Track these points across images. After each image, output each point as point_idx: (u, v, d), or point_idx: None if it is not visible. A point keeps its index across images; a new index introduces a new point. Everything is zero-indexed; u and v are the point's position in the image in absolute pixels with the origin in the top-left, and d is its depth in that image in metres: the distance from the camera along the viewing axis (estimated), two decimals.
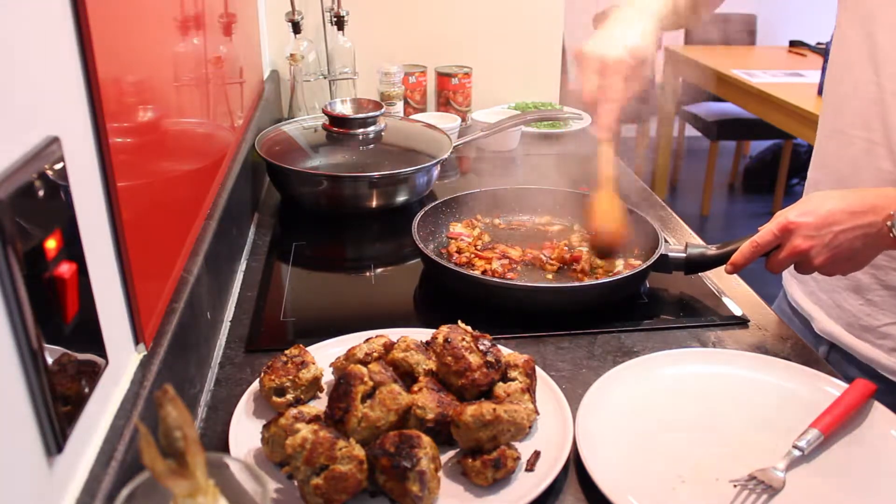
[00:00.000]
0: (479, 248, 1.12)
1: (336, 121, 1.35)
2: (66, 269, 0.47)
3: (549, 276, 1.05)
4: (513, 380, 0.76)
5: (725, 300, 1.02)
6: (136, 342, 0.64)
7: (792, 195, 4.04)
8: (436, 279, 1.06)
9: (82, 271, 0.51)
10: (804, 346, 0.93)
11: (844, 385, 0.79)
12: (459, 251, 1.10)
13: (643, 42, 0.96)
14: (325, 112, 1.36)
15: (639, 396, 0.79)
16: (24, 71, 0.46)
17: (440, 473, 0.67)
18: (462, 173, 1.56)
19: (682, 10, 1.06)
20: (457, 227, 1.17)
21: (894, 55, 0.89)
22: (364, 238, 1.26)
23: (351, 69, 1.72)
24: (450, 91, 1.80)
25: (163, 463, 0.43)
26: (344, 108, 1.37)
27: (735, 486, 0.68)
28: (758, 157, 4.39)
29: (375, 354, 0.78)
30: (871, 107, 0.93)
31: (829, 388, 0.80)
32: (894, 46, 0.89)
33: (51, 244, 0.46)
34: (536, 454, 0.70)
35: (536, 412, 0.74)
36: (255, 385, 0.78)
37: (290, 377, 0.75)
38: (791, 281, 1.14)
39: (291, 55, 1.66)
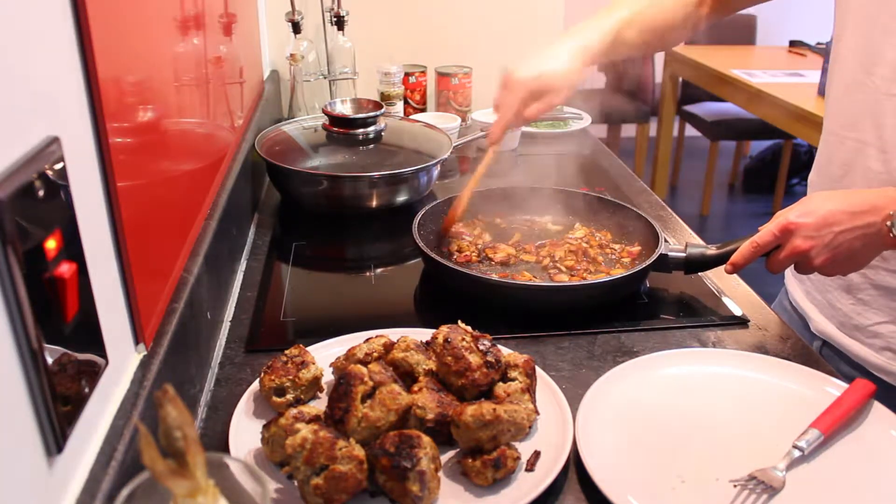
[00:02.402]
0: (479, 247, 1.12)
1: (336, 121, 1.35)
2: (66, 269, 0.47)
3: (551, 275, 1.05)
4: (513, 380, 0.76)
5: (725, 300, 1.02)
6: (136, 342, 0.64)
7: (792, 195, 4.04)
8: (436, 278, 1.06)
9: (82, 271, 0.51)
10: (804, 345, 0.93)
11: (844, 385, 0.79)
12: (460, 250, 1.10)
13: (559, 70, 1.01)
14: (325, 112, 1.36)
15: (639, 396, 0.79)
16: (24, 71, 0.46)
17: (440, 473, 0.67)
18: (462, 173, 1.56)
19: (630, 42, 1.08)
20: (458, 227, 1.17)
21: (887, 56, 0.90)
22: (364, 238, 1.26)
23: (351, 69, 1.72)
24: (450, 91, 1.80)
25: (163, 463, 0.43)
26: (344, 108, 1.37)
27: (735, 486, 0.68)
28: (758, 157, 4.39)
29: (375, 354, 0.78)
30: (862, 107, 0.93)
31: (829, 388, 0.80)
32: (887, 47, 0.90)
33: (51, 244, 0.46)
34: (536, 454, 0.70)
35: (536, 412, 0.74)
36: (255, 385, 0.78)
37: (290, 377, 0.75)
38: (791, 280, 1.15)
39: (291, 55, 1.66)
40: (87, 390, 0.52)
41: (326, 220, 1.28)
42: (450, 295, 1.02)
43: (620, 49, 1.07)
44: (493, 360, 0.76)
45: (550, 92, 1.02)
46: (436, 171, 1.35)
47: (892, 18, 0.89)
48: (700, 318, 0.98)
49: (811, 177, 1.07)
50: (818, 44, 3.62)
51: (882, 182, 0.91)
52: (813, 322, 1.07)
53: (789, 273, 1.16)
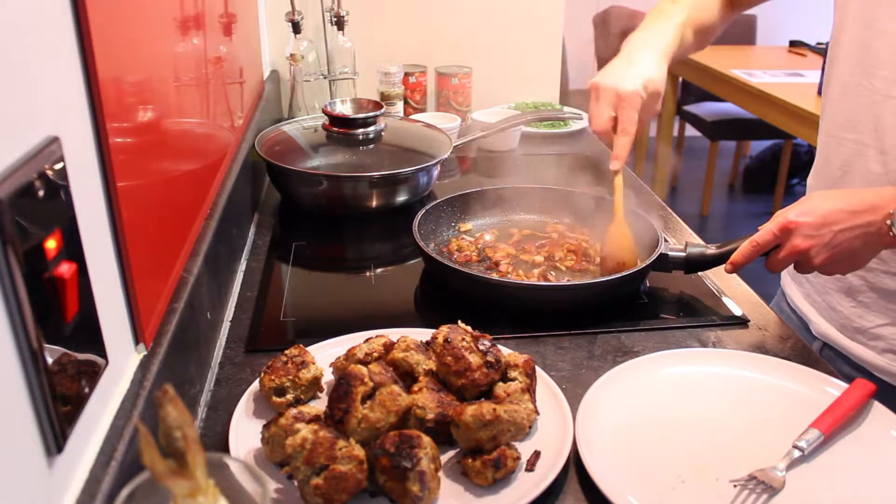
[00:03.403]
0: (480, 247, 1.12)
1: (336, 121, 1.35)
2: (66, 269, 0.47)
3: (551, 275, 1.05)
4: (513, 380, 0.76)
5: (725, 300, 1.02)
6: (136, 342, 0.64)
7: (792, 195, 4.04)
8: (436, 278, 1.06)
9: (82, 271, 0.51)
10: (804, 346, 0.93)
11: (844, 385, 0.79)
12: (460, 250, 1.10)
13: (656, 76, 1.00)
14: (325, 112, 1.36)
15: (639, 396, 0.79)
16: (24, 71, 0.46)
17: (440, 473, 0.67)
18: (462, 173, 1.56)
19: (688, 43, 1.10)
20: (467, 226, 1.18)
21: (886, 58, 0.90)
22: (364, 238, 1.26)
23: (351, 69, 1.72)
24: (450, 91, 1.80)
25: (163, 463, 0.43)
26: (344, 108, 1.37)
27: (735, 486, 0.68)
28: (758, 157, 4.39)
29: (375, 354, 0.78)
30: (861, 109, 0.93)
31: (829, 388, 0.80)
32: (886, 49, 0.90)
33: (51, 244, 0.46)
34: (536, 454, 0.70)
35: (536, 412, 0.74)
36: (255, 385, 0.78)
37: (290, 377, 0.75)
38: (789, 283, 1.15)
39: (291, 55, 1.66)
40: (87, 390, 0.52)
41: (326, 220, 1.28)
42: (450, 295, 1.02)
43: (682, 50, 1.09)
44: (493, 360, 0.76)
45: (656, 97, 1.01)
46: (436, 171, 1.35)
47: (890, 20, 0.89)
48: (700, 318, 0.98)
49: (810, 179, 1.08)
50: (818, 44, 3.62)
51: (881, 184, 0.91)
52: (813, 325, 1.07)
53: (787, 276, 1.16)
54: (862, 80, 0.93)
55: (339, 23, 1.67)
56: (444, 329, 0.78)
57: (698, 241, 1.13)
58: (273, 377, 0.75)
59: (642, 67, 1.00)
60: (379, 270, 1.13)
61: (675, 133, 4.24)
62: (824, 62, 1.05)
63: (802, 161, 4.10)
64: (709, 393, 0.81)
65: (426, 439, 0.65)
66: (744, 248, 0.91)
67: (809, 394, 0.80)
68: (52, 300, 0.46)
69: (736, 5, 1.16)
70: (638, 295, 1.04)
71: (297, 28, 1.64)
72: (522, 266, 1.07)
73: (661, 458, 0.71)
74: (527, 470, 0.68)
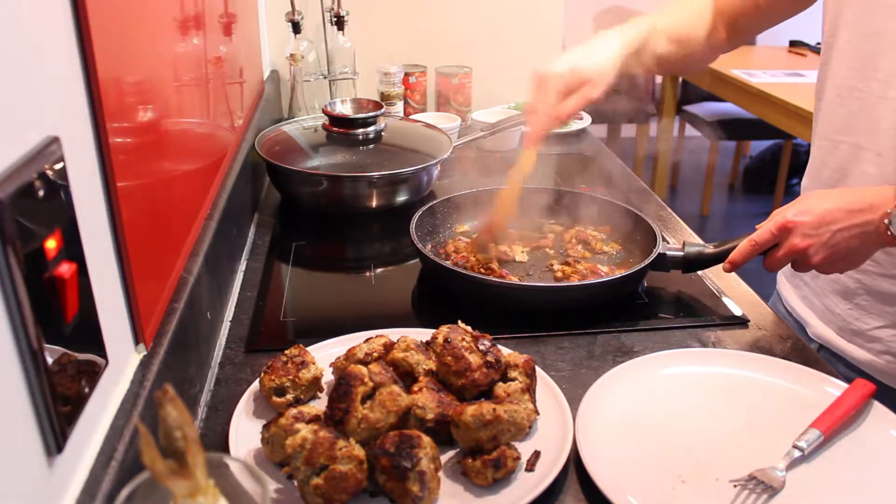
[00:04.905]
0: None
1: (336, 121, 1.35)
2: (66, 269, 0.47)
3: (553, 275, 1.05)
4: (513, 380, 0.76)
5: (725, 300, 1.02)
6: (136, 342, 0.64)
7: (792, 195, 4.02)
8: (434, 279, 1.06)
9: (82, 271, 0.51)
10: (804, 346, 0.93)
11: (844, 385, 0.79)
12: (457, 251, 1.10)
13: (589, 62, 0.97)
14: (325, 112, 1.36)
15: (639, 396, 0.79)
16: (24, 71, 0.46)
17: (440, 473, 0.67)
18: (462, 173, 1.56)
19: (659, 49, 1.06)
20: (463, 227, 1.18)
21: (882, 59, 0.90)
22: (364, 238, 1.26)
23: (351, 69, 1.72)
24: (450, 91, 1.80)
25: (163, 463, 0.43)
26: (344, 108, 1.38)
27: (735, 486, 0.68)
28: (758, 157, 4.39)
29: (375, 354, 0.78)
30: (857, 112, 0.93)
31: (829, 388, 0.80)
32: (881, 51, 0.90)
33: (51, 244, 0.46)
34: (536, 454, 0.70)
35: (536, 412, 0.74)
36: (255, 385, 0.78)
37: (290, 377, 0.75)
38: (785, 285, 1.14)
39: (291, 55, 1.66)
40: (87, 390, 0.52)
41: (326, 220, 1.28)
42: (449, 295, 1.02)
43: (647, 56, 1.05)
44: (493, 360, 0.76)
45: (586, 84, 0.97)
46: (436, 171, 1.35)
47: (885, 21, 0.89)
48: (700, 317, 0.98)
49: (804, 183, 1.08)
50: (818, 44, 3.61)
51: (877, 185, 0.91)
52: (811, 327, 1.07)
53: (783, 278, 1.16)
54: (857, 83, 0.93)
55: (339, 23, 1.67)
56: (444, 329, 0.78)
57: (697, 240, 1.13)
58: (273, 377, 0.75)
59: (575, 54, 0.99)
60: (379, 270, 1.13)
61: (675, 133, 4.24)
62: None
63: (802, 161, 4.08)
64: (709, 393, 0.81)
65: (426, 439, 0.65)
66: (742, 247, 0.91)
67: (809, 394, 0.80)
68: (52, 300, 0.46)
69: (737, 31, 1.13)
70: (638, 295, 1.04)
71: (297, 28, 1.64)
72: (519, 266, 1.07)
73: (661, 458, 0.71)
74: (527, 470, 0.68)
